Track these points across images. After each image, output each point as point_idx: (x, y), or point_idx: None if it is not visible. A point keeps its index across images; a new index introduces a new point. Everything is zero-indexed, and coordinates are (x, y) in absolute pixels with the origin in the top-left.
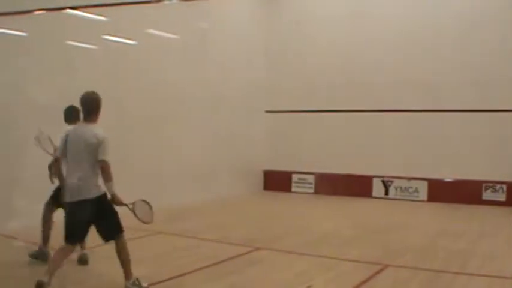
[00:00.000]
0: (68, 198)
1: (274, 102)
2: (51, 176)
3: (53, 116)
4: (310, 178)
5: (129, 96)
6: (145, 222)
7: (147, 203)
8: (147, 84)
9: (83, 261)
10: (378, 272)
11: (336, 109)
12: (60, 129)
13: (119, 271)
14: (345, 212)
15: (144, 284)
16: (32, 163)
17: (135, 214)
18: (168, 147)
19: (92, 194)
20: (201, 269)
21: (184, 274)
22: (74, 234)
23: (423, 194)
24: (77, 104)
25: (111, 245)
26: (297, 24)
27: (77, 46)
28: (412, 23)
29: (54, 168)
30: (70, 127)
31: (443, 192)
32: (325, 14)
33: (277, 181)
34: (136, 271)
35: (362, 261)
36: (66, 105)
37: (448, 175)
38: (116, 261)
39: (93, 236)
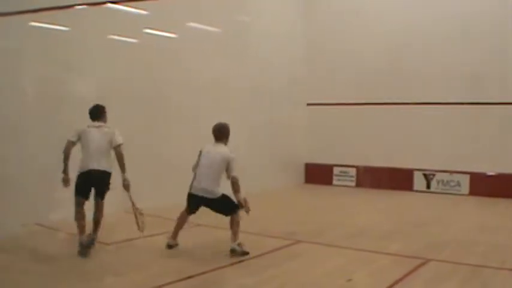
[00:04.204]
0: None
1: (315, 94)
2: None
3: None
4: (352, 171)
5: (170, 89)
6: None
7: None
8: (187, 78)
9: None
10: (419, 266)
11: (377, 102)
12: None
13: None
14: (386, 205)
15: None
16: (75, 154)
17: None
18: (209, 139)
19: None
20: (241, 261)
21: (224, 266)
22: None
23: (465, 187)
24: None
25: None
26: (339, 14)
27: (118, 40)
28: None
29: None
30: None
31: (485, 186)
32: (369, 3)
33: (318, 174)
34: (175, 263)
35: (403, 255)
36: (107, 97)
37: (491, 169)
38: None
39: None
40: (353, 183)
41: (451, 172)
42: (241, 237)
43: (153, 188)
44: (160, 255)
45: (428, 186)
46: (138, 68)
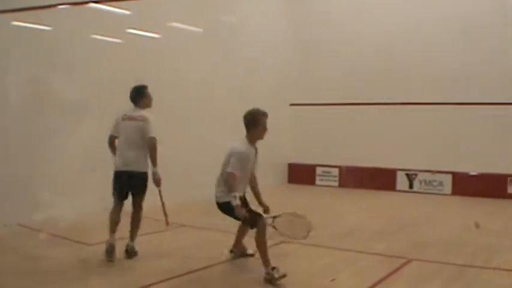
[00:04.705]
0: None
1: (298, 95)
2: None
3: (78, 108)
4: (335, 171)
5: (154, 89)
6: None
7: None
8: (172, 78)
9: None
10: (402, 266)
11: (360, 102)
12: (80, 121)
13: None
14: (369, 205)
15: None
16: (57, 156)
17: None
18: (194, 139)
19: None
20: (226, 261)
21: (210, 266)
22: None
23: (447, 187)
24: None
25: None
26: (327, 15)
27: (101, 40)
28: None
29: None
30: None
31: (468, 185)
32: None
33: (301, 174)
34: (160, 264)
35: (387, 255)
36: (91, 98)
37: (473, 168)
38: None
39: None
40: (336, 183)
41: (434, 172)
42: (227, 239)
43: None
44: (146, 256)
45: (411, 186)
46: (123, 68)
